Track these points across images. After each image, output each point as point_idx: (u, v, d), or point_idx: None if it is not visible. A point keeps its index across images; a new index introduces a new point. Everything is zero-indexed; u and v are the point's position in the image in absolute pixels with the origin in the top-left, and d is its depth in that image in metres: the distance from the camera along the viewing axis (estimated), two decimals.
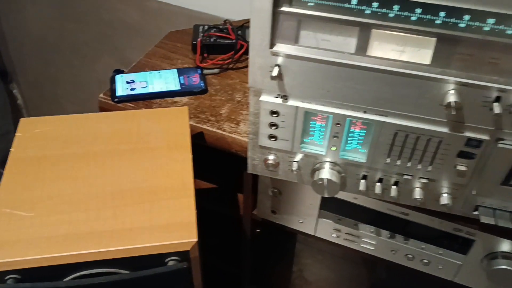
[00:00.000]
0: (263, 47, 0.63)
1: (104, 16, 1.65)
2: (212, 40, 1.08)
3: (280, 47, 0.63)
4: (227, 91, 0.99)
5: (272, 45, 0.63)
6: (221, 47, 1.07)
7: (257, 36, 0.62)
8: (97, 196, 0.67)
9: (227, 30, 1.09)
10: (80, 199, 0.67)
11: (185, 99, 0.96)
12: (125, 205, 0.66)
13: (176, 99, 0.96)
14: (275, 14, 0.60)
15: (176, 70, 1.01)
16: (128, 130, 0.77)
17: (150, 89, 0.96)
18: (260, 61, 0.64)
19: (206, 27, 1.11)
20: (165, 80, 0.99)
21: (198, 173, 1.08)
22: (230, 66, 1.05)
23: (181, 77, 1.00)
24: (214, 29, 1.11)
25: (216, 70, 1.03)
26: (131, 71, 1.02)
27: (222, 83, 1.01)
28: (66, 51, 1.84)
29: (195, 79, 0.99)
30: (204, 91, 0.98)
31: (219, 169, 1.11)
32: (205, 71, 1.02)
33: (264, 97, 0.69)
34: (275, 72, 0.63)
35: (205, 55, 1.07)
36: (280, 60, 0.64)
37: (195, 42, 1.07)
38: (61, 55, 1.86)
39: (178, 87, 0.97)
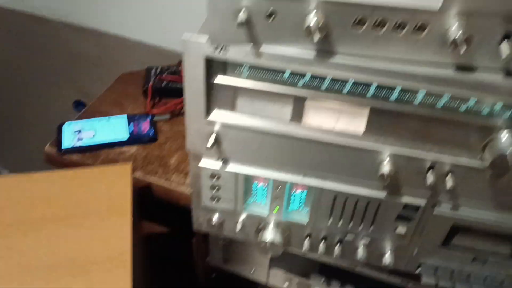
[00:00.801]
0: (199, 115, 0.62)
1: (62, 49, 1.62)
2: (164, 84, 1.07)
3: (216, 115, 0.62)
4: (177, 139, 0.98)
5: (208, 113, 0.62)
6: (173, 91, 1.06)
7: (192, 104, 0.61)
8: (29, 269, 0.65)
9: (180, 72, 1.08)
10: (11, 273, 0.64)
11: (133, 148, 0.95)
12: (60, 278, 0.64)
13: (124, 148, 0.94)
14: (210, 84, 0.59)
15: (125, 116, 1.00)
16: (66, 194, 0.75)
17: (97, 139, 0.94)
18: (196, 128, 0.63)
19: (158, 69, 1.10)
20: (113, 128, 0.97)
21: (152, 215, 1.06)
22: (182, 111, 1.04)
23: (130, 125, 0.98)
24: (167, 72, 1.10)
25: (167, 116, 1.02)
26: (80, 117, 1.00)
27: (173, 130, 1.00)
28: (20, 85, 1.80)
29: (145, 126, 0.98)
30: (153, 140, 0.96)
31: (173, 211, 1.09)
32: (156, 118, 1.01)
33: (203, 162, 0.68)
34: (211, 141, 0.62)
35: (157, 99, 1.06)
36: (217, 127, 0.63)
37: (146, 87, 1.05)
38: (14, 89, 1.82)
39: (126, 136, 0.95)
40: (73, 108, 1.77)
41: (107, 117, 0.99)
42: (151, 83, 1.06)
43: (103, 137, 0.94)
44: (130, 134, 0.96)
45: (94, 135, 0.95)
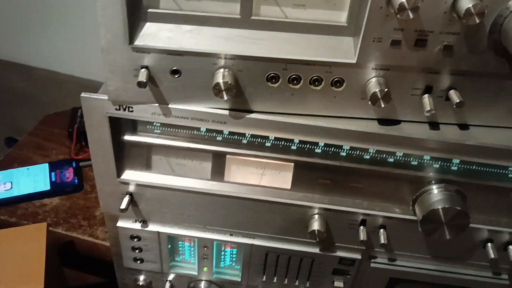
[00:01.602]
0: (110, 176, 0.56)
1: None
2: None
3: (130, 175, 0.56)
4: None
5: (119, 174, 0.56)
6: None
7: (101, 165, 0.55)
8: None
9: None
10: None
11: (55, 199, 0.87)
12: None
13: (46, 200, 0.86)
14: (118, 143, 0.54)
15: (47, 165, 0.92)
16: None
17: (15, 191, 0.86)
18: (109, 189, 0.57)
19: None
20: (33, 178, 0.89)
21: (81, 266, 0.97)
22: None
23: (52, 173, 0.90)
24: None
25: None
26: None
27: None
28: None
29: (69, 174, 0.90)
30: (78, 189, 0.89)
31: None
32: (82, 163, 0.94)
33: (121, 223, 0.61)
34: (124, 203, 0.56)
35: (83, 143, 0.98)
36: (131, 188, 0.57)
37: (71, 130, 0.98)
38: None
39: (47, 187, 0.87)
40: (4, 145, 1.66)
41: (26, 167, 0.91)
42: (76, 125, 0.98)
43: (22, 189, 0.86)
44: (52, 184, 0.88)
45: (11, 187, 0.86)
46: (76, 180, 0.89)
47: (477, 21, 0.40)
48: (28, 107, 1.55)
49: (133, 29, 0.44)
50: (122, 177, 0.56)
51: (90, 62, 1.32)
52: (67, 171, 0.91)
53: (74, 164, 0.92)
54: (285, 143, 0.53)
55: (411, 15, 0.40)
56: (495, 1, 0.41)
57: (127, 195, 0.57)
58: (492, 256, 0.55)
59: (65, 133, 1.01)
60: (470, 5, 0.39)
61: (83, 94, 0.49)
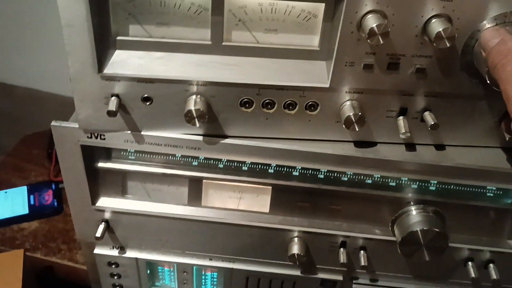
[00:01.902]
0: (84, 204, 0.55)
1: None
2: None
3: (105, 202, 0.55)
4: None
5: (94, 201, 0.55)
6: None
7: (75, 193, 0.54)
8: None
9: None
10: None
11: (34, 223, 0.85)
12: None
13: (24, 224, 0.85)
14: (92, 170, 0.53)
15: (25, 188, 0.90)
16: None
17: None
18: (84, 216, 0.56)
19: None
20: (12, 202, 0.87)
21: None
22: None
23: (31, 196, 0.88)
24: None
25: None
26: None
27: None
28: None
29: (48, 197, 0.89)
30: (57, 211, 0.87)
31: None
32: (61, 185, 0.92)
33: (98, 250, 0.60)
34: (100, 231, 0.55)
35: None
36: (107, 215, 0.56)
37: (50, 151, 0.96)
38: None
39: (26, 210, 0.86)
40: None
41: (4, 190, 0.89)
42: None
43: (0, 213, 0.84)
44: (30, 207, 0.86)
45: None
46: (55, 203, 0.88)
47: (448, 45, 0.40)
48: (9, 125, 1.53)
49: (102, 57, 0.43)
50: (97, 204, 0.55)
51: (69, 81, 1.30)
52: (46, 194, 0.89)
53: (53, 186, 0.91)
54: (262, 167, 0.52)
55: (381, 40, 0.39)
56: (466, 24, 0.41)
57: (103, 222, 0.56)
58: (473, 275, 0.55)
59: (45, 153, 0.99)
60: (440, 29, 0.39)
61: (53, 123, 0.48)
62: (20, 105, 1.43)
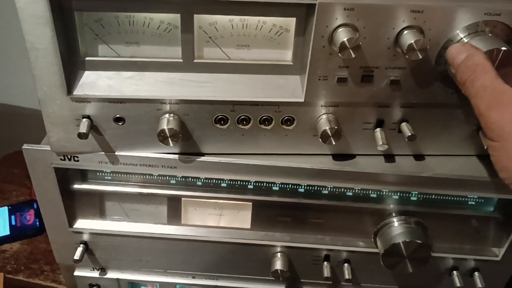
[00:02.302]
0: (61, 226, 0.53)
1: None
2: None
3: (82, 224, 0.54)
4: None
5: (71, 223, 0.54)
6: None
7: (51, 216, 0.53)
8: None
9: None
10: None
11: (16, 245, 0.83)
12: None
13: (5, 246, 0.83)
14: (68, 192, 0.52)
15: (6, 208, 0.88)
16: None
17: None
18: (62, 240, 0.55)
19: None
20: None
21: None
22: None
23: (12, 217, 0.87)
24: None
25: None
26: None
27: None
28: None
29: (30, 217, 0.87)
30: (39, 232, 0.85)
31: None
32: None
33: (78, 272, 0.59)
34: (78, 253, 0.54)
35: None
36: (85, 236, 0.55)
37: None
38: None
39: (7, 232, 0.84)
40: None
41: None
42: None
43: None
44: (11, 228, 0.84)
45: None
46: (37, 222, 0.86)
47: (420, 56, 0.39)
48: None
49: (70, 79, 0.42)
50: (74, 227, 0.54)
51: None
52: (28, 214, 0.88)
53: (35, 206, 0.89)
54: (242, 183, 0.51)
55: (353, 54, 0.39)
56: (438, 35, 0.41)
57: (81, 244, 0.55)
58: (458, 284, 0.54)
59: (26, 172, 0.97)
60: (412, 41, 0.39)
61: (24, 146, 0.47)
62: (2, 122, 1.41)
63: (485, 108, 0.37)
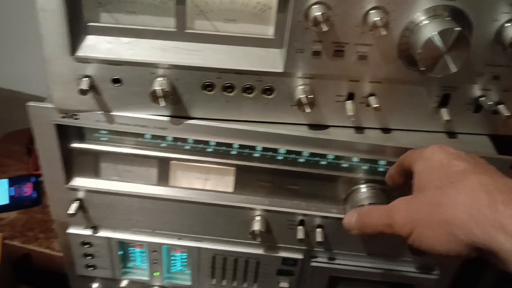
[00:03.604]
0: (59, 183, 0.58)
1: None
2: None
3: (78, 182, 0.59)
4: None
5: (68, 180, 0.58)
6: None
7: (50, 172, 0.58)
8: None
9: None
10: None
11: (13, 214, 0.88)
12: None
13: (3, 214, 0.87)
14: (67, 150, 0.57)
15: (6, 180, 0.93)
16: None
17: None
18: (58, 196, 0.60)
19: None
20: None
21: (40, 281, 0.97)
22: None
23: (11, 188, 0.91)
24: None
25: None
26: None
27: None
28: None
29: (27, 189, 0.92)
30: (36, 203, 0.90)
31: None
32: (41, 178, 0.95)
33: (72, 229, 0.64)
34: (73, 208, 0.59)
35: None
36: (80, 194, 0.60)
37: (30, 146, 1.00)
38: None
39: (6, 201, 0.89)
40: None
41: None
42: None
43: None
44: (10, 198, 0.89)
45: None
46: (35, 195, 0.91)
47: (383, 33, 0.45)
48: None
49: (74, 41, 0.47)
50: (70, 184, 0.59)
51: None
52: (26, 186, 0.92)
53: (33, 179, 0.94)
54: (226, 148, 0.56)
55: (325, 28, 0.44)
56: (401, 15, 0.46)
57: (76, 201, 0.60)
58: None
59: (24, 150, 1.02)
60: (376, 19, 0.44)
61: (29, 103, 0.52)
62: (3, 106, 1.45)
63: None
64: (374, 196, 0.55)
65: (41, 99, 0.53)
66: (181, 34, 0.49)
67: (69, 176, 0.58)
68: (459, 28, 0.44)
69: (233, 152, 0.57)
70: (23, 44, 1.26)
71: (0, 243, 0.73)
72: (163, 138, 0.56)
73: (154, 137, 0.56)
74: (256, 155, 0.57)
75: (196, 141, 0.56)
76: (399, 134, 0.55)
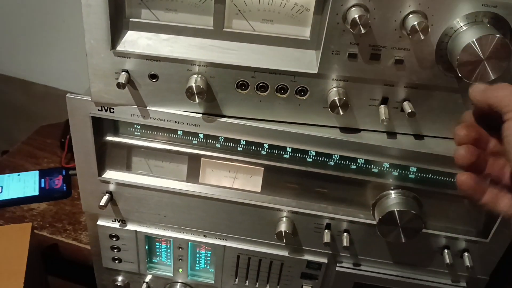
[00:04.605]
0: (91, 175, 0.60)
1: None
2: None
3: (110, 174, 0.60)
4: None
5: (100, 173, 0.60)
6: None
7: (83, 164, 0.59)
8: None
9: None
10: None
11: (43, 205, 0.90)
12: None
13: (33, 205, 0.90)
14: (101, 143, 0.58)
15: (37, 172, 0.95)
16: None
17: (5, 195, 0.89)
18: (90, 188, 0.61)
19: None
20: (24, 184, 0.92)
21: (67, 271, 0.99)
22: None
23: (42, 180, 0.94)
24: None
25: None
26: None
27: None
28: None
29: (58, 181, 0.94)
30: (66, 195, 0.92)
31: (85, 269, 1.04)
32: (72, 172, 0.97)
33: (101, 221, 0.65)
34: (104, 200, 0.60)
35: None
36: (111, 187, 0.61)
37: (63, 140, 1.02)
38: None
39: (36, 192, 0.91)
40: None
41: (17, 173, 0.94)
42: (68, 136, 1.02)
43: (11, 193, 0.90)
44: (40, 189, 0.91)
45: (1, 191, 0.90)
46: (64, 187, 0.93)
47: (422, 37, 0.44)
48: (24, 120, 1.59)
49: (115, 35, 0.48)
50: (103, 176, 0.60)
51: (87, 79, 1.37)
52: (57, 179, 0.95)
53: (64, 172, 0.96)
54: (256, 148, 0.57)
55: (362, 30, 0.44)
56: (440, 21, 0.46)
57: (107, 194, 0.61)
58: (448, 261, 0.58)
59: (57, 143, 1.05)
60: (415, 23, 0.44)
61: (68, 95, 0.53)
62: (37, 101, 1.50)
63: None
64: (405, 203, 0.54)
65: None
66: (218, 32, 0.49)
67: (101, 168, 0.60)
68: (500, 35, 0.43)
69: (263, 152, 0.57)
70: (58, 41, 1.30)
71: (30, 232, 0.74)
72: (195, 135, 0.57)
73: (186, 133, 0.57)
74: (286, 156, 0.57)
75: (227, 139, 0.57)
76: (433, 141, 0.54)
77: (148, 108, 0.53)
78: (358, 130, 0.54)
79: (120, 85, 0.49)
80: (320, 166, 0.57)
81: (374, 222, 0.58)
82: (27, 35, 1.32)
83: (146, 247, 0.67)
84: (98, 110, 0.54)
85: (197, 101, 0.49)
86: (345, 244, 0.59)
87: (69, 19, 1.21)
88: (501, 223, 0.56)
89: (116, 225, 0.65)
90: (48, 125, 1.12)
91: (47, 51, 1.37)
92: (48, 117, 1.27)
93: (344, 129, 0.55)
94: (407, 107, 0.51)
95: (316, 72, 0.50)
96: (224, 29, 0.49)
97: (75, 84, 1.37)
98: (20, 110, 1.56)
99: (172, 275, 0.70)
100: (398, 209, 0.54)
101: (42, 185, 0.93)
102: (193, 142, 0.58)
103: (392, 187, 0.56)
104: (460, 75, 0.46)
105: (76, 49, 1.29)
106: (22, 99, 1.54)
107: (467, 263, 0.59)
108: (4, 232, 0.74)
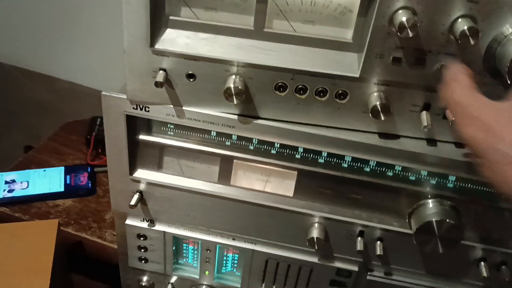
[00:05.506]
0: (122, 173, 0.59)
1: (13, 93, 1.58)
2: None
3: (141, 174, 0.60)
4: None
5: (132, 171, 0.59)
6: None
7: (115, 162, 0.58)
8: None
9: None
10: None
11: (68, 201, 0.90)
12: None
13: (59, 201, 0.90)
14: (133, 142, 0.57)
15: (63, 168, 0.96)
16: None
17: (30, 191, 0.90)
18: (120, 186, 0.61)
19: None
20: (49, 179, 0.92)
21: (87, 270, 0.99)
22: None
23: (67, 176, 0.94)
24: None
25: None
26: (15, 168, 0.96)
27: None
28: None
29: (83, 178, 0.94)
30: (91, 192, 0.92)
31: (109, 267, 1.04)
32: (97, 169, 0.97)
33: (129, 221, 0.64)
34: (134, 200, 0.59)
35: (99, 150, 1.02)
36: (142, 186, 0.60)
37: (89, 137, 1.02)
38: None
39: (61, 188, 0.91)
40: (24, 153, 1.71)
41: (43, 169, 0.95)
42: (94, 133, 1.03)
43: (37, 189, 0.90)
44: (66, 186, 0.92)
45: (27, 187, 0.90)
46: (89, 184, 0.93)
47: (472, 42, 0.43)
48: (49, 116, 1.60)
49: (154, 33, 0.48)
50: (134, 175, 0.59)
51: (112, 77, 1.37)
52: (82, 175, 0.95)
53: (89, 169, 0.96)
54: (290, 151, 0.56)
55: (410, 34, 0.43)
56: (490, 25, 0.44)
57: (137, 193, 0.60)
58: (484, 274, 0.57)
59: (83, 140, 1.05)
60: (465, 27, 0.42)
61: (104, 92, 0.53)
62: (62, 97, 1.51)
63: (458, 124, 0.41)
64: (443, 213, 0.53)
65: (98, 93, 0.53)
66: (258, 33, 0.48)
67: (133, 167, 0.59)
68: None
69: (297, 156, 0.56)
70: (86, 39, 1.30)
71: (56, 229, 0.74)
72: (228, 136, 0.56)
73: (219, 134, 0.56)
74: (321, 160, 0.56)
75: (260, 142, 0.56)
76: None
77: (184, 108, 0.52)
78: (397, 136, 0.53)
79: (158, 84, 0.48)
80: (356, 172, 0.55)
81: (409, 231, 0.56)
82: (53, 31, 1.33)
83: (173, 248, 0.66)
84: (133, 108, 0.53)
85: (235, 102, 0.48)
86: (378, 253, 0.58)
87: (97, 17, 1.22)
88: None
89: (145, 225, 0.64)
90: (73, 121, 1.12)
91: (73, 47, 1.38)
92: (73, 114, 1.28)
93: (382, 135, 0.53)
94: (450, 115, 0.49)
95: (357, 75, 0.48)
96: (264, 30, 0.48)
97: (100, 82, 1.38)
98: (44, 106, 1.57)
99: (198, 277, 0.69)
100: (436, 219, 0.52)
101: (68, 181, 0.93)
102: (226, 143, 0.57)
103: (429, 196, 0.55)
104: (509, 82, 0.44)
105: (102, 47, 1.30)
106: (46, 95, 1.55)
107: (506, 276, 0.57)
108: (31, 228, 0.74)
